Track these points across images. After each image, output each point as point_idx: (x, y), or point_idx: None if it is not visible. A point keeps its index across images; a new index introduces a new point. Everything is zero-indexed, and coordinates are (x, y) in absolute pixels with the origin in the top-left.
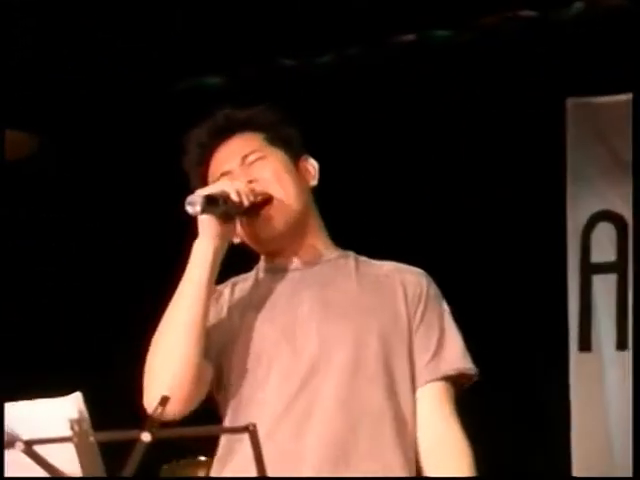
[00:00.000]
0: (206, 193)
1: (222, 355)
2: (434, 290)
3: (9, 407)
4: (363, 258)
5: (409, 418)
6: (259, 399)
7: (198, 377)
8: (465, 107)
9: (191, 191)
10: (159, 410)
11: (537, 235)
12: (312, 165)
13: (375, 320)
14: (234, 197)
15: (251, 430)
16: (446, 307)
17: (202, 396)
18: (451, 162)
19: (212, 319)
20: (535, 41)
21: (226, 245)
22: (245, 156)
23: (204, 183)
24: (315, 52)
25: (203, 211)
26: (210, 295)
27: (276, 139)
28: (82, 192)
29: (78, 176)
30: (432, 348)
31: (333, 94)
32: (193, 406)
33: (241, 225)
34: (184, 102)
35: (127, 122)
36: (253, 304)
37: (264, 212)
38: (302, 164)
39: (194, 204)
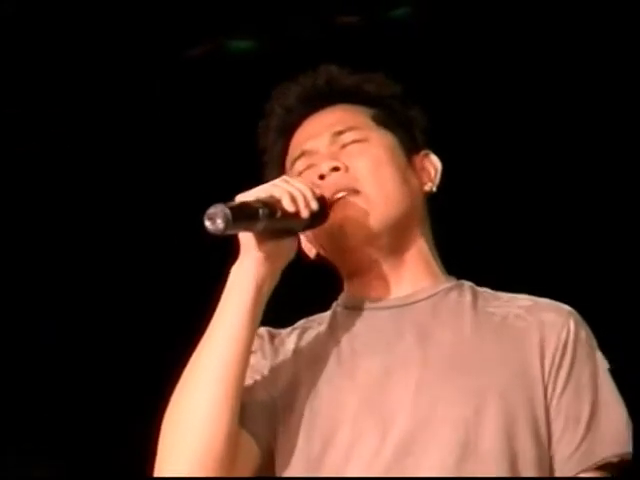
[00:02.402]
0: (241, 201)
1: (278, 427)
2: (586, 335)
3: None
4: (485, 290)
5: None
6: None
7: (230, 451)
8: None
9: (263, 172)
10: None
11: None
12: (433, 164)
13: (494, 380)
14: (286, 205)
15: None
16: (602, 359)
17: None
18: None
19: (266, 376)
20: None
21: (279, 269)
22: (338, 133)
23: (280, 162)
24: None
25: (227, 228)
26: (251, 338)
27: (389, 119)
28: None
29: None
30: (584, 420)
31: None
32: None
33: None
34: (202, 76)
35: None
36: (326, 357)
37: (340, 207)
38: (418, 160)
39: (214, 218)
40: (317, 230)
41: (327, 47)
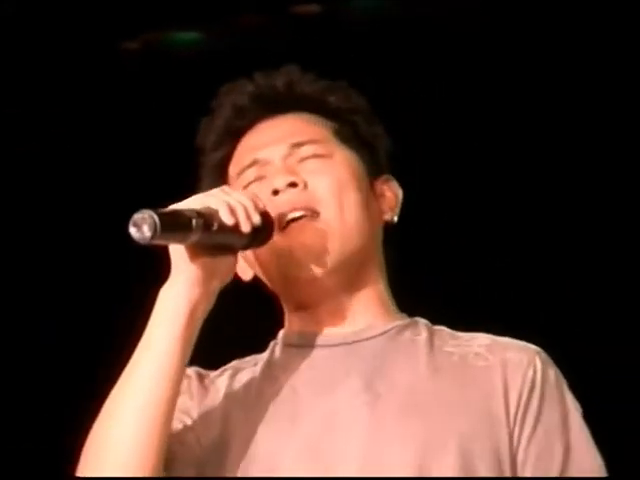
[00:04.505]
0: (173, 208)
1: (207, 472)
2: (554, 375)
3: None
4: (442, 329)
5: None
6: None
7: None
8: None
9: (199, 175)
10: None
11: None
12: (393, 191)
13: (452, 423)
14: (224, 217)
15: None
16: (573, 402)
17: None
18: None
19: (194, 419)
20: None
21: (214, 291)
22: (298, 144)
23: (222, 167)
24: None
25: (154, 238)
26: (182, 370)
27: (353, 136)
28: None
29: None
30: (555, 469)
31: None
32: None
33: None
34: (143, 68)
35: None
36: (261, 398)
37: (294, 230)
38: (379, 185)
39: (140, 225)
40: (262, 253)
41: (282, 39)
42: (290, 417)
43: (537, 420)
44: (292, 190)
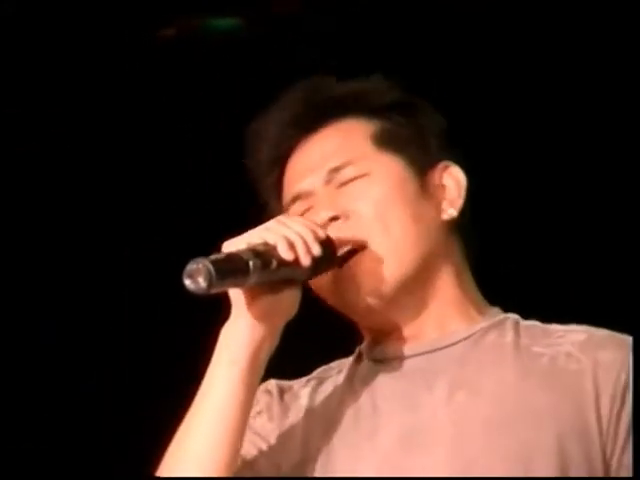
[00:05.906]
0: (227, 252)
1: None
2: None
3: None
4: (534, 324)
5: None
6: None
7: None
8: None
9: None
10: None
11: None
12: (454, 178)
13: (543, 436)
14: (283, 253)
15: None
16: None
17: None
18: None
19: (272, 443)
20: None
21: (278, 328)
22: (335, 170)
23: (278, 192)
24: None
25: (211, 287)
26: (245, 414)
27: (394, 135)
28: None
29: None
30: None
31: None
32: None
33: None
34: (177, 56)
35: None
36: (342, 415)
37: (347, 268)
38: (437, 175)
39: (194, 276)
40: (320, 287)
41: (323, 25)
42: (369, 434)
43: (631, 428)
44: (335, 224)
